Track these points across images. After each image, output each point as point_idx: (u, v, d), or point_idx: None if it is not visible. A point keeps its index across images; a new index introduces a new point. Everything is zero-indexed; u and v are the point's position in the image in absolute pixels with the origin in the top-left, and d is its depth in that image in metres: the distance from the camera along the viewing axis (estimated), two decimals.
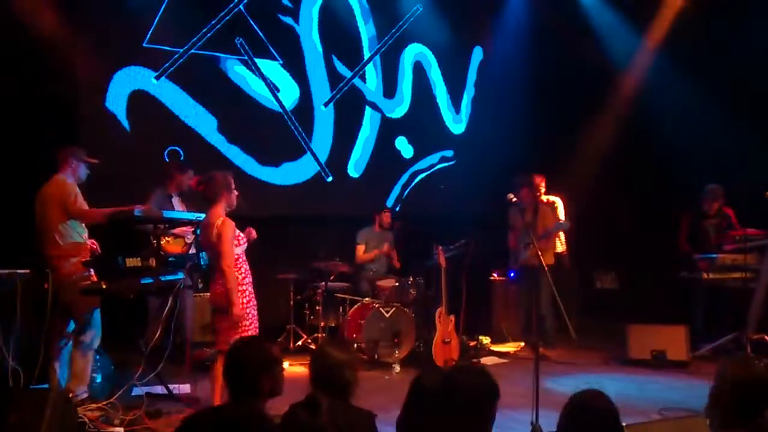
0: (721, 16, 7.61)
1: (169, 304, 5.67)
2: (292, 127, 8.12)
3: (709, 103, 7.60)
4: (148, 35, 7.23)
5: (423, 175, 9.01)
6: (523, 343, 7.51)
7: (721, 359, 2.92)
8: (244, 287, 4.63)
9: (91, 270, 4.87)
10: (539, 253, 5.24)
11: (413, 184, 8.95)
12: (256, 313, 4.70)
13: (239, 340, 3.39)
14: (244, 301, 4.60)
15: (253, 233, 4.99)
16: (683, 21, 8.12)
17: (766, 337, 6.46)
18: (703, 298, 6.97)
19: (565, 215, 7.65)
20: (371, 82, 8.71)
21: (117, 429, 4.43)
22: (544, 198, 7.58)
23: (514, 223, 7.38)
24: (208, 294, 4.99)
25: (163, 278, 5.06)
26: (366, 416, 2.91)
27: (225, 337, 4.55)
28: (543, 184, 7.57)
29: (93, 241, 5.16)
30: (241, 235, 4.74)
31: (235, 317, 4.50)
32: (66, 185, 4.97)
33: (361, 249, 7.66)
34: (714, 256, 6.80)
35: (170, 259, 5.16)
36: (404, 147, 8.89)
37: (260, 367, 2.75)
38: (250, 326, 4.62)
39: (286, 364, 6.57)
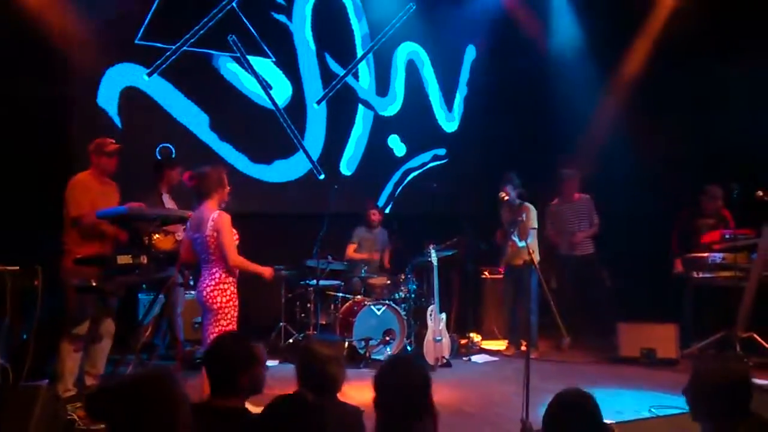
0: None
1: (160, 301, 5.69)
2: (285, 125, 8.12)
3: (710, 99, 7.62)
4: (141, 32, 7.21)
5: (415, 173, 9.02)
6: (507, 342, 7.55)
7: (698, 358, 2.98)
8: (227, 286, 4.61)
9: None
10: (530, 251, 5.27)
11: (405, 182, 8.96)
12: (236, 314, 4.63)
13: (223, 336, 3.39)
14: (224, 300, 4.57)
15: None
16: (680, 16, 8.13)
17: (755, 335, 6.50)
18: (692, 296, 6.99)
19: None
20: (364, 80, 8.71)
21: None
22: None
23: (503, 220, 7.44)
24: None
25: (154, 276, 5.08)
26: (353, 413, 2.91)
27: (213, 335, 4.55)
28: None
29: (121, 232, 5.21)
30: (234, 231, 4.72)
31: (268, 273, 4.79)
32: (71, 186, 5.09)
33: (352, 247, 7.71)
34: (703, 255, 6.83)
35: (161, 256, 5.14)
36: (397, 145, 8.90)
37: (241, 363, 2.75)
38: (228, 326, 4.56)
39: (275, 362, 6.60)
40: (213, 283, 4.57)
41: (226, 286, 4.58)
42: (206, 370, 2.83)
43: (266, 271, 4.80)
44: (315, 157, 8.31)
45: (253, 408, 3.71)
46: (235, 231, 4.70)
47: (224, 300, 4.57)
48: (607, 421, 2.64)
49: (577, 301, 7.49)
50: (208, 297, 4.57)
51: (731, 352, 6.12)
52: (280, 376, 6.13)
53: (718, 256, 6.77)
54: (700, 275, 6.84)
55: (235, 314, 4.63)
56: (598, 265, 7.69)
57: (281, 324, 7.26)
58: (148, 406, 2.04)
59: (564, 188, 7.68)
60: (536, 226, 7.24)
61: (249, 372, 2.76)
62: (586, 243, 7.61)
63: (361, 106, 8.69)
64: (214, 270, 4.60)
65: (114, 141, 5.33)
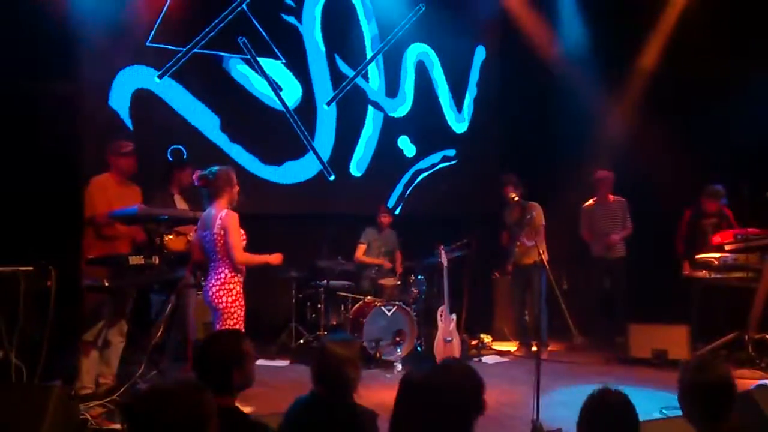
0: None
1: (171, 302, 5.71)
2: (295, 126, 8.14)
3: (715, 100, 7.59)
4: (152, 34, 7.25)
5: (425, 174, 9.01)
6: (517, 342, 7.55)
7: (684, 361, 2.96)
8: (232, 285, 4.62)
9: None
10: (541, 250, 5.26)
11: (415, 183, 8.96)
12: (242, 313, 4.65)
13: (210, 335, 3.39)
14: (230, 299, 4.58)
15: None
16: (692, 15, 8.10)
17: (767, 336, 6.46)
18: (699, 298, 6.96)
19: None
20: (374, 81, 8.72)
21: (119, 426, 4.45)
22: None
23: (508, 221, 7.44)
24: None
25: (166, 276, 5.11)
26: (368, 415, 2.90)
27: None
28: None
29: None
30: (242, 231, 4.73)
31: (276, 259, 4.87)
32: (89, 187, 5.20)
33: (362, 248, 7.66)
34: (715, 256, 6.79)
35: (172, 257, 5.17)
36: (406, 146, 8.90)
37: (231, 360, 2.74)
38: (235, 326, 4.57)
39: (286, 362, 6.63)
40: (219, 283, 4.59)
41: (231, 285, 4.60)
42: (197, 371, 2.79)
43: (274, 258, 4.83)
44: (325, 158, 8.33)
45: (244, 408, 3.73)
46: (243, 231, 4.72)
47: (230, 300, 4.59)
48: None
49: (598, 302, 7.49)
50: (213, 297, 4.59)
51: (714, 355, 6.10)
52: (290, 376, 6.20)
53: (730, 257, 6.72)
54: (712, 276, 6.80)
55: (242, 313, 4.65)
56: (625, 268, 7.65)
57: (292, 324, 7.28)
58: (184, 417, 2.02)
59: (598, 190, 7.67)
60: (544, 223, 7.23)
61: (240, 368, 2.76)
62: (620, 246, 7.58)
63: (370, 107, 8.70)
64: (219, 270, 4.62)
65: (129, 143, 5.38)
